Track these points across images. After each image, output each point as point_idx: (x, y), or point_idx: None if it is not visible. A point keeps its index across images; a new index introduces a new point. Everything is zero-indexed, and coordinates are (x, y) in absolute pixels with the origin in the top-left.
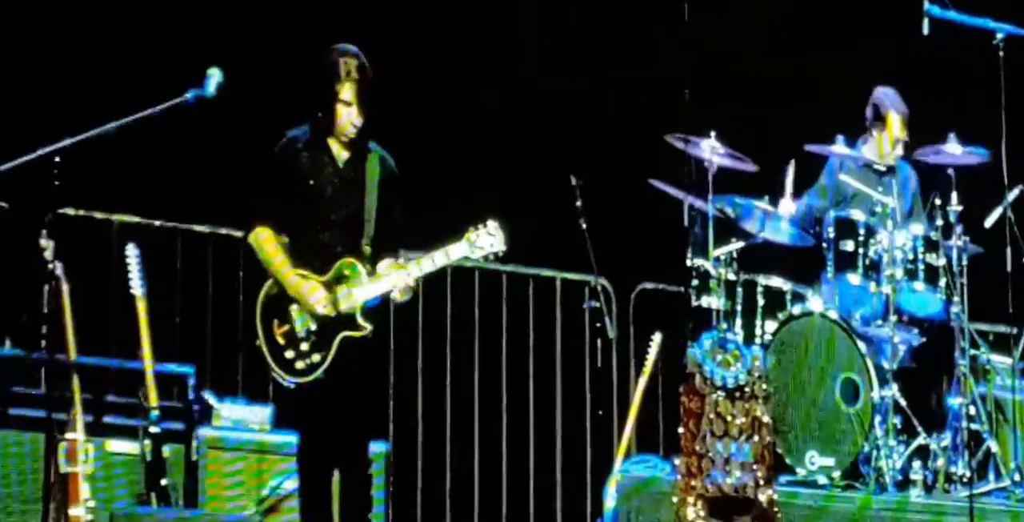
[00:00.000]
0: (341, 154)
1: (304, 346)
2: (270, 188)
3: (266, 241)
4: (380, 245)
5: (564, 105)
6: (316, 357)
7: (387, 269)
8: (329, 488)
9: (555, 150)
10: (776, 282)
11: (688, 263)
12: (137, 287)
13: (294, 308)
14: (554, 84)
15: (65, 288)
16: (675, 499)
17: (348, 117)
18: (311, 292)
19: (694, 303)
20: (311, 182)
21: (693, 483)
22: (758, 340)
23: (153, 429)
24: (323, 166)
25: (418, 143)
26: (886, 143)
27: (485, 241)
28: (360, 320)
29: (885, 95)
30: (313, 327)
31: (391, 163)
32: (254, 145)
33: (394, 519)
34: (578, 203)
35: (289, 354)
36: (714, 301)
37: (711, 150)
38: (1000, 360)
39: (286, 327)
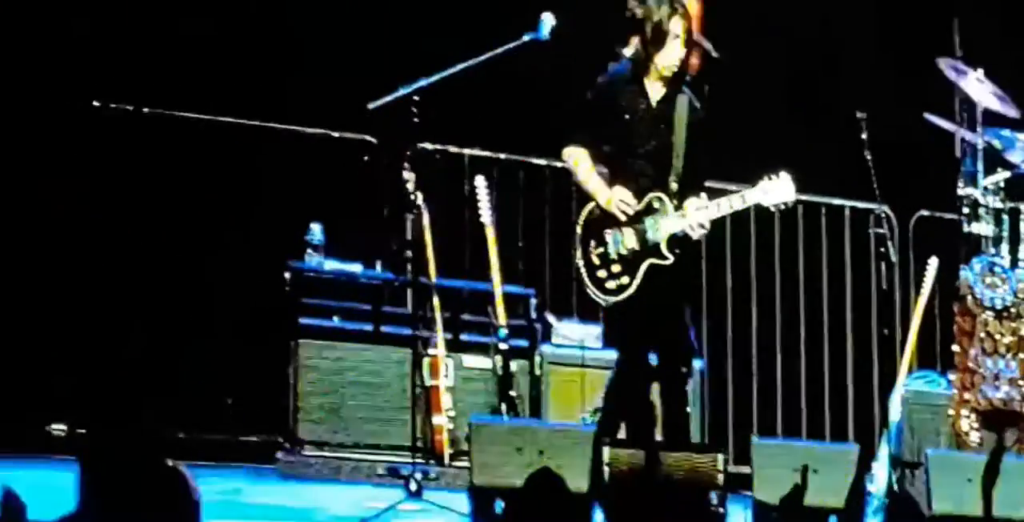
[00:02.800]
0: (656, 91)
1: (615, 268)
2: (586, 115)
3: (580, 158)
4: (687, 182)
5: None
6: (625, 279)
7: (691, 206)
8: (638, 402)
9: (841, 88)
10: None
11: (959, 192)
12: (486, 216)
13: (608, 232)
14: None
15: (426, 217)
16: (951, 412)
17: (676, 51)
18: (616, 194)
19: (965, 229)
20: (625, 116)
21: (967, 397)
22: (1022, 264)
23: (502, 345)
24: (638, 101)
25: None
26: None
27: (776, 191)
28: (664, 249)
29: None
30: (624, 251)
31: (699, 106)
32: (583, 83)
33: (709, 428)
34: (863, 136)
35: (602, 273)
36: (984, 228)
37: (978, 84)
38: None
39: (601, 249)
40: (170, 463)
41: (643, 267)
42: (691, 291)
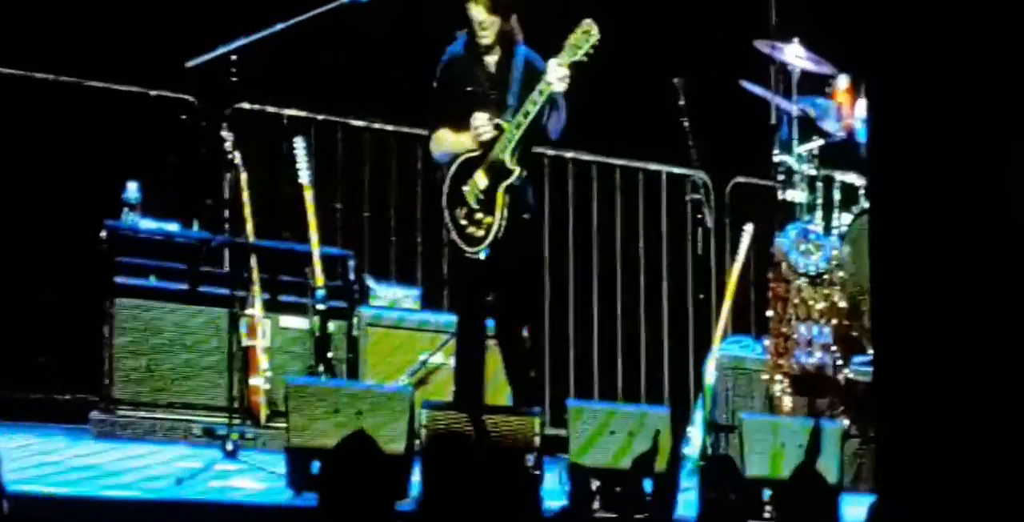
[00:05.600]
0: (490, 58)
1: (478, 215)
2: (436, 102)
3: (443, 136)
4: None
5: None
6: (488, 218)
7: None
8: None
9: (659, 54)
10: (851, 178)
11: (774, 159)
12: (304, 176)
13: (465, 188)
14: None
15: (243, 177)
16: (764, 377)
17: (477, 14)
18: (473, 121)
19: (780, 196)
20: (467, 88)
21: (780, 362)
22: (836, 231)
23: (320, 306)
24: (474, 71)
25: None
26: None
27: (580, 38)
28: (510, 164)
29: None
30: (480, 194)
31: (539, 67)
32: (402, 45)
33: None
34: (681, 102)
35: (470, 229)
36: (798, 195)
37: (795, 54)
38: None
39: (464, 209)
40: None
41: (499, 196)
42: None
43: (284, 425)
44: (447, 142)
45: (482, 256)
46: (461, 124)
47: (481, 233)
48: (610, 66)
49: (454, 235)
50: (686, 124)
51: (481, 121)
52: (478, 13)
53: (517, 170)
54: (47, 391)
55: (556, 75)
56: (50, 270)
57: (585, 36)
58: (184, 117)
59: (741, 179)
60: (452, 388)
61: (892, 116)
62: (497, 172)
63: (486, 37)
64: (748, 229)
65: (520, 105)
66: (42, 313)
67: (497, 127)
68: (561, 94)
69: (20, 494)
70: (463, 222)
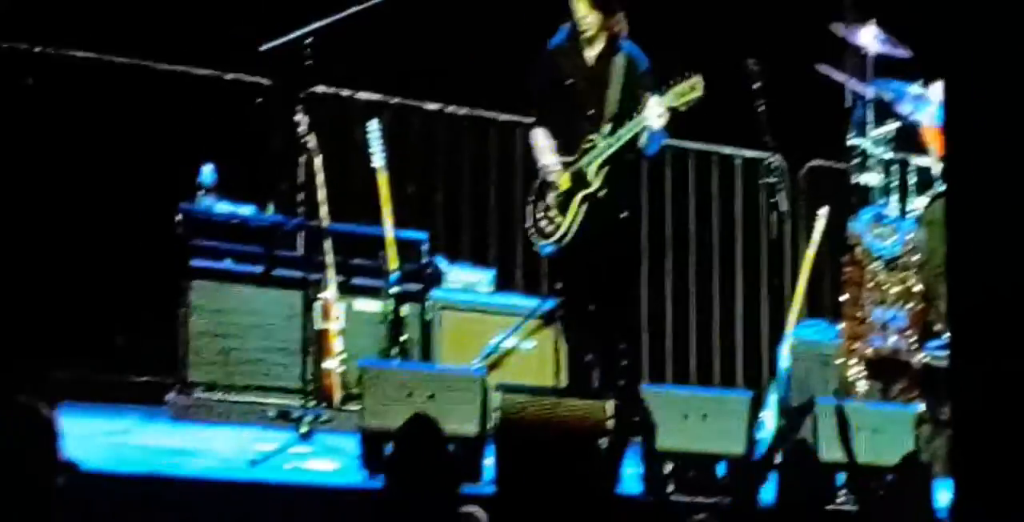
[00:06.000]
0: (591, 53)
1: (552, 213)
2: (535, 92)
3: (539, 138)
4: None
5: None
6: (559, 218)
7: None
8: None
9: (733, 36)
10: (927, 161)
11: (849, 143)
12: (378, 160)
13: (551, 186)
14: None
15: (317, 160)
16: (839, 361)
17: (579, 10)
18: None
19: (854, 180)
20: (566, 81)
21: (854, 346)
22: (910, 215)
23: (394, 289)
24: (575, 64)
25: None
26: None
27: (683, 87)
28: (591, 177)
29: None
30: (560, 196)
31: (641, 65)
32: (477, 29)
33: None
34: (755, 85)
35: (543, 224)
36: (873, 178)
37: (870, 37)
38: None
39: (543, 202)
40: (25, 399)
41: (575, 202)
42: (624, 229)
43: (358, 408)
44: (536, 148)
45: (546, 251)
46: (557, 123)
47: (551, 229)
48: (684, 49)
49: (528, 223)
50: (761, 107)
51: (551, 164)
52: (579, 8)
53: (596, 185)
54: (124, 373)
55: (654, 113)
56: (127, 253)
57: (690, 89)
58: (259, 101)
59: (816, 162)
60: (525, 370)
61: (969, 99)
62: (579, 180)
63: (587, 31)
64: (823, 213)
65: (618, 105)
66: (119, 296)
67: (589, 141)
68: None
69: (97, 473)
70: (538, 214)
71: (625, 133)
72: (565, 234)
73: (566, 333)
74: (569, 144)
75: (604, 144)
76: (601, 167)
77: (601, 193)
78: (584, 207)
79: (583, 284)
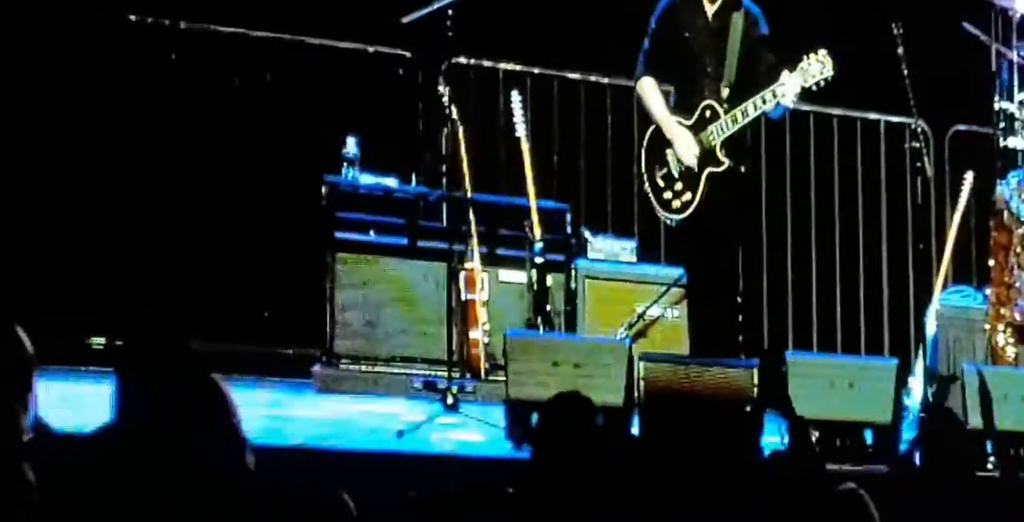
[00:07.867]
0: (711, 8)
1: (678, 185)
2: (649, 43)
3: (648, 89)
4: (737, 92)
5: None
6: (687, 195)
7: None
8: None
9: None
10: None
11: (995, 106)
12: (521, 130)
13: (669, 152)
14: None
15: (460, 131)
16: (987, 326)
17: None
18: (679, 139)
19: (1001, 144)
20: (685, 34)
21: (1003, 312)
22: None
23: (538, 260)
24: (695, 18)
25: None
26: None
27: (815, 67)
28: (720, 155)
29: None
30: (683, 168)
31: (760, 22)
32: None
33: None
34: (899, 50)
35: (667, 195)
36: (1020, 142)
37: None
38: None
39: (664, 170)
40: (210, 376)
41: (703, 178)
42: (750, 204)
43: (503, 378)
44: (647, 102)
45: (672, 223)
46: (668, 73)
47: (678, 204)
48: (827, 12)
49: (648, 191)
50: (905, 71)
51: (671, 125)
52: None
53: (727, 163)
54: (270, 345)
55: (791, 92)
56: (274, 226)
57: (820, 66)
58: (401, 72)
59: (961, 127)
60: (671, 339)
61: None
62: (707, 155)
63: None
64: (968, 177)
65: (737, 72)
66: (266, 268)
67: (711, 110)
68: None
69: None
70: (661, 184)
71: (753, 110)
72: (694, 211)
73: (692, 307)
74: (684, 100)
75: (729, 119)
76: (726, 141)
77: (730, 170)
78: (712, 184)
79: (710, 255)
